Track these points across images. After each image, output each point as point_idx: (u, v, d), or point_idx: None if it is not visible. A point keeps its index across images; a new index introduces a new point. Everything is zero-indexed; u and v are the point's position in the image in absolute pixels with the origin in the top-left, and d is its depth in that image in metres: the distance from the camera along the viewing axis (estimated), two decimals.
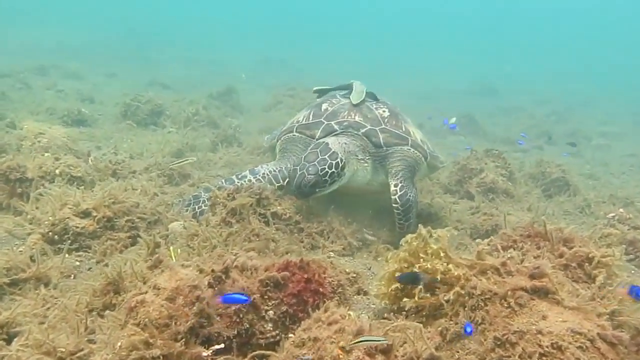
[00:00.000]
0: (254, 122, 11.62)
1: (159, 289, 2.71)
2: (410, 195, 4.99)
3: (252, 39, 40.52)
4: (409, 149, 5.27)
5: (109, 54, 25.17)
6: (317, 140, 5.15)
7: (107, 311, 2.84)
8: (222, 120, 10.90)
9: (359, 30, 52.93)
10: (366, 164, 5.16)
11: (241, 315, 2.76)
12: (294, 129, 5.48)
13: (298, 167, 4.69)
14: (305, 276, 3.00)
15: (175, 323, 2.59)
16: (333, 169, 4.69)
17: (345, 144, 5.01)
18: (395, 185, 5.03)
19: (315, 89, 5.49)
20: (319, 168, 4.64)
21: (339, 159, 4.75)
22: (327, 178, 4.68)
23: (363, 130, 5.18)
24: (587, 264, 3.21)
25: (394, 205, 4.99)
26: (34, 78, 15.11)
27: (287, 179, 5.11)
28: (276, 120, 11.46)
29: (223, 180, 5.31)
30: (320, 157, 4.70)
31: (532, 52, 45.30)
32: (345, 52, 37.36)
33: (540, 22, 61.06)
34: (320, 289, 3.02)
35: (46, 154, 5.34)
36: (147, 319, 2.59)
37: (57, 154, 5.46)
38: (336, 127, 5.25)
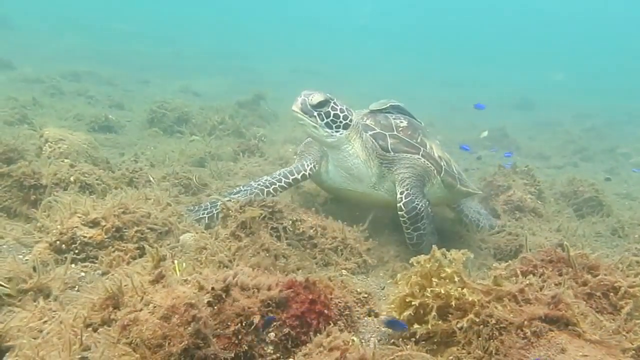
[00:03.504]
0: (279, 132, 11.54)
1: (154, 307, 2.61)
2: (417, 204, 4.80)
3: (285, 48, 40.71)
4: (419, 158, 5.10)
5: (144, 62, 25.53)
6: None
7: (101, 328, 2.74)
8: (247, 129, 10.85)
9: (401, 42, 52.88)
10: (371, 164, 5.02)
11: (240, 337, 2.62)
12: None
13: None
14: (310, 297, 2.84)
15: (169, 344, 2.47)
16: (341, 115, 4.73)
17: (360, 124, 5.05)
18: (401, 193, 4.87)
19: (370, 108, 5.47)
20: (335, 100, 4.72)
21: (350, 117, 4.80)
22: (331, 112, 4.70)
23: (371, 133, 5.09)
24: (612, 293, 3.01)
25: (399, 212, 4.82)
26: (66, 84, 15.35)
27: (302, 172, 5.17)
28: (302, 129, 11.34)
29: (242, 186, 5.30)
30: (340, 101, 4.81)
31: (574, 65, 44.49)
32: (388, 64, 37.27)
33: (582, 35, 60.06)
34: (326, 311, 2.87)
35: (65, 161, 5.31)
36: (139, 339, 2.48)
37: (75, 160, 5.45)
38: None
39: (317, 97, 4.61)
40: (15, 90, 12.22)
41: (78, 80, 16.99)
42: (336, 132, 4.73)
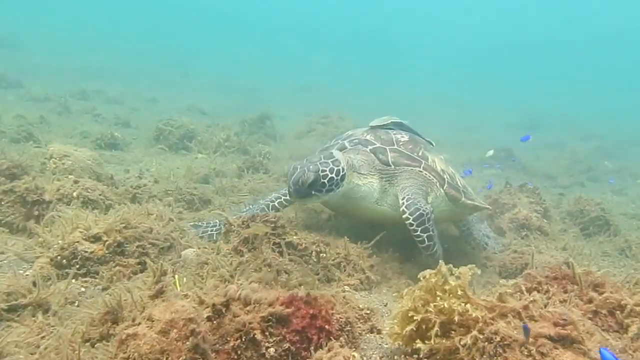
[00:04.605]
0: (285, 149, 11.56)
1: (152, 321, 2.58)
2: (420, 206, 4.73)
3: (292, 67, 40.93)
4: (421, 171, 5.08)
5: (152, 80, 25.71)
6: None
7: (99, 343, 2.71)
8: (252, 147, 10.89)
9: (409, 62, 53.11)
10: (372, 181, 4.99)
11: (239, 352, 2.59)
12: (316, 153, 5.47)
13: (299, 166, 4.64)
14: (311, 312, 2.80)
15: (167, 358, 2.44)
16: (334, 175, 4.62)
17: (350, 158, 4.95)
18: (403, 199, 4.83)
19: (371, 124, 5.48)
20: (320, 168, 4.58)
21: (340, 167, 4.69)
22: (325, 181, 4.59)
23: (370, 147, 5.10)
24: (618, 311, 2.95)
25: (403, 217, 4.74)
26: (74, 102, 15.43)
27: None
28: (307, 147, 11.38)
29: (250, 205, 5.32)
30: (322, 160, 4.67)
31: (583, 86, 44.47)
32: (395, 83, 37.41)
33: (592, 56, 60.17)
34: (327, 326, 2.83)
35: (70, 177, 5.31)
36: (137, 353, 2.44)
37: (79, 176, 5.45)
38: (347, 144, 5.26)
39: (307, 179, 4.51)
40: (24, 109, 12.26)
41: (86, 98, 17.08)
42: (337, 188, 4.70)
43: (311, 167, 4.58)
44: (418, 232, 4.72)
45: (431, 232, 4.73)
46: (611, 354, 2.41)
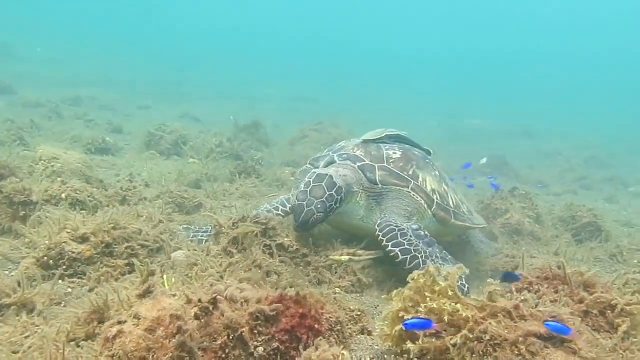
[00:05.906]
0: (277, 156, 11.58)
1: (139, 319, 2.54)
2: (392, 222, 4.69)
3: (288, 77, 40.94)
4: (409, 192, 5.00)
5: (147, 88, 25.67)
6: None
7: (84, 342, 2.67)
8: (245, 153, 10.87)
9: (401, 71, 53.24)
10: (359, 199, 4.95)
11: (227, 351, 2.55)
12: (308, 162, 5.55)
13: (305, 203, 4.52)
14: (301, 311, 2.77)
15: (153, 356, 2.40)
16: (338, 205, 4.64)
17: (345, 176, 4.88)
18: (381, 219, 4.82)
19: (364, 138, 5.41)
20: (328, 205, 4.54)
21: (342, 195, 4.67)
22: (330, 213, 4.61)
23: (359, 164, 5.03)
24: (609, 311, 2.93)
25: (376, 234, 4.69)
26: (67, 108, 15.39)
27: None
28: (300, 154, 11.41)
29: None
30: (327, 193, 4.58)
31: (577, 96, 44.68)
32: (388, 93, 37.44)
33: (590, 67, 60.49)
34: (316, 326, 2.79)
35: (59, 179, 5.26)
36: (122, 351, 2.40)
37: (69, 179, 5.40)
38: (336, 159, 5.19)
39: (317, 219, 4.48)
40: (14, 114, 12.20)
41: (79, 105, 17.05)
42: (336, 211, 4.71)
43: (320, 206, 4.51)
44: (389, 247, 4.59)
45: (406, 246, 4.56)
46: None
